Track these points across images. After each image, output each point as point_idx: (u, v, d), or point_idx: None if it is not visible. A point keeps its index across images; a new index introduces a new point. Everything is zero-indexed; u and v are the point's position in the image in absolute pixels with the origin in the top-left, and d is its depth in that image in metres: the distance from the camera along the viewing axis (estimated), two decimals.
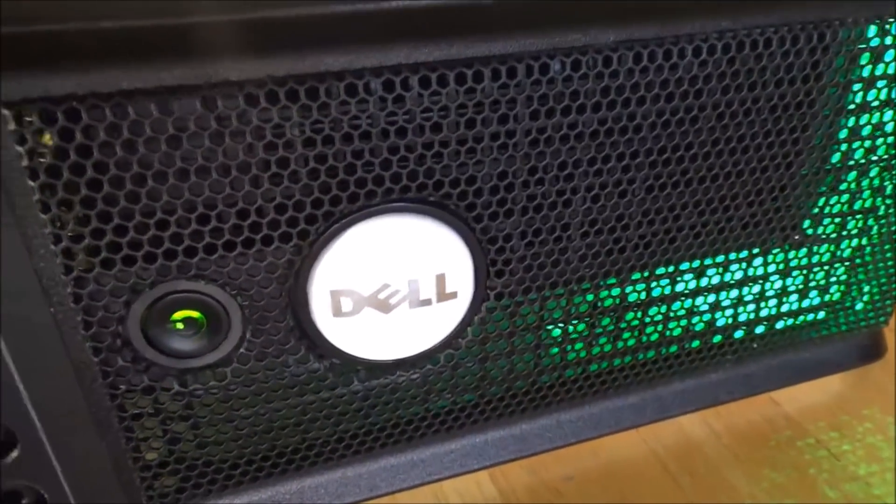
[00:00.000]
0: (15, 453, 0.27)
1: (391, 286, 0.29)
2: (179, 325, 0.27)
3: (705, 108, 0.31)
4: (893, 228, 0.40)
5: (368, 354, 0.31)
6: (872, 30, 0.32)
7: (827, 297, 0.42)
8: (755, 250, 0.37)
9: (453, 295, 0.31)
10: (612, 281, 0.35)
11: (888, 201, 0.39)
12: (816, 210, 0.37)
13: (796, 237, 0.38)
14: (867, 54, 0.32)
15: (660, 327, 0.38)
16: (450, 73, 0.26)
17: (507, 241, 0.31)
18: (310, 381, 0.31)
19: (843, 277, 0.41)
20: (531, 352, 0.35)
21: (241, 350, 0.29)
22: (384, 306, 0.29)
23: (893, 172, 0.37)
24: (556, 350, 0.36)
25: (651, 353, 0.39)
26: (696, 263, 0.36)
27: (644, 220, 0.33)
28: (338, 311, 0.29)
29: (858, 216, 0.39)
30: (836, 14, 0.31)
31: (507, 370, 0.35)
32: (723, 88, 0.30)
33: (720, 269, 0.37)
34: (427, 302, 0.30)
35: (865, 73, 0.33)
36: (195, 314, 0.27)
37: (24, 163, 0.22)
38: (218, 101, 0.23)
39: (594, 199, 0.31)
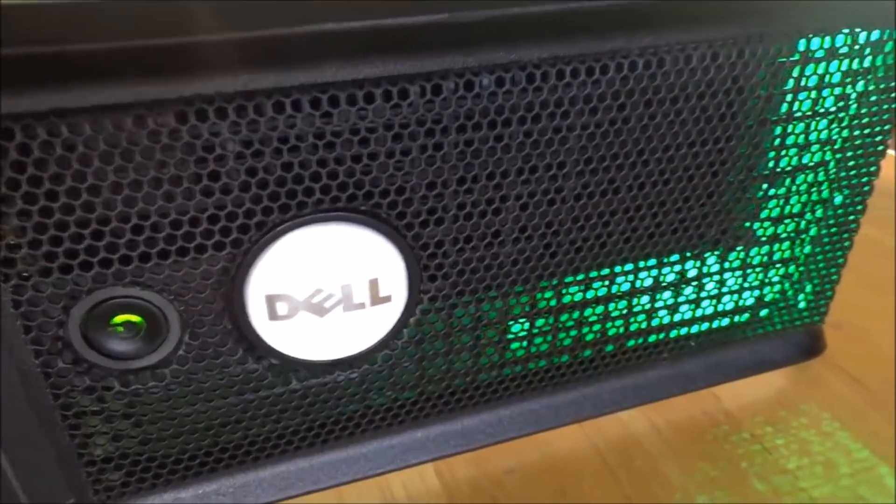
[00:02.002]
0: None
1: (324, 291, 0.30)
2: (119, 329, 0.28)
3: (629, 120, 0.32)
4: (825, 232, 0.41)
5: (305, 355, 0.32)
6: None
7: (762, 297, 0.43)
8: (688, 253, 0.39)
9: (387, 299, 0.32)
10: (546, 284, 0.36)
11: (818, 206, 0.40)
12: (749, 215, 0.39)
13: (729, 241, 0.39)
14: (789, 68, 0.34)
15: (596, 327, 0.39)
16: (376, 90, 0.27)
17: (439, 247, 0.32)
18: (249, 381, 0.32)
19: (778, 279, 0.43)
20: (468, 352, 0.36)
21: (180, 352, 0.30)
22: (319, 310, 0.31)
23: (821, 179, 0.39)
24: (493, 350, 0.37)
25: (588, 352, 0.40)
26: (630, 266, 0.37)
27: (574, 227, 0.34)
28: (274, 315, 0.30)
29: (789, 220, 0.40)
30: (756, 30, 0.32)
31: (445, 369, 0.36)
32: (646, 102, 0.31)
33: (654, 272, 0.38)
34: (361, 305, 0.31)
35: (789, 85, 0.34)
36: (135, 318, 0.28)
37: None
38: (149, 118, 0.24)
39: (523, 207, 0.32)
